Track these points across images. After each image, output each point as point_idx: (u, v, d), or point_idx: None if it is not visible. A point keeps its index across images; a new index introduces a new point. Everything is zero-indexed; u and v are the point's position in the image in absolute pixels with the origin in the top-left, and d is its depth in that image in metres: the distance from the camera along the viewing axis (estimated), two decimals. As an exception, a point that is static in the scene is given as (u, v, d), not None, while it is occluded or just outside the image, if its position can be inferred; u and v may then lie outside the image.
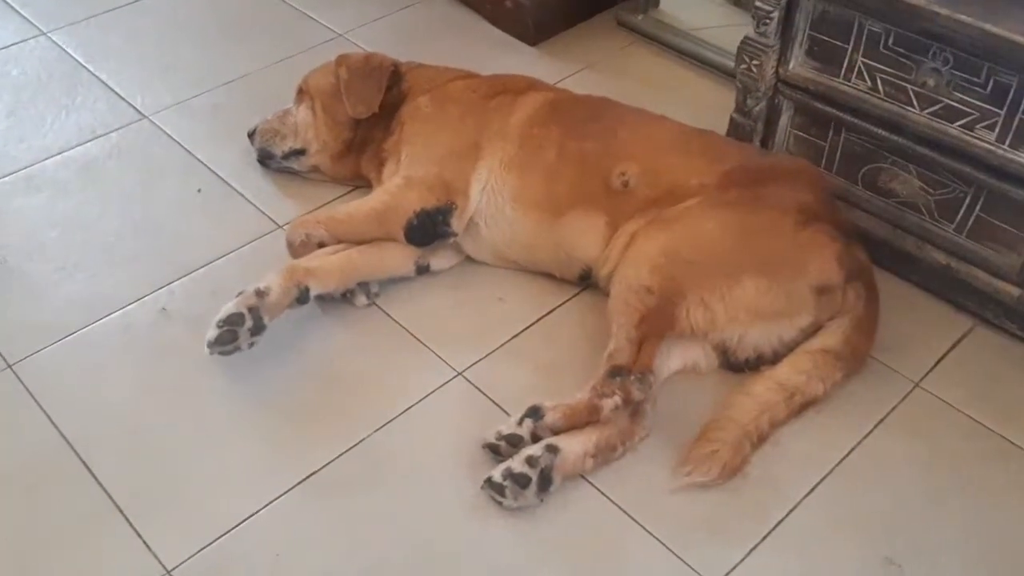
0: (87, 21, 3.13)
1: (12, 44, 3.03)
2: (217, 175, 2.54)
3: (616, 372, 1.85)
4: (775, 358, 1.96)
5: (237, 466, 1.86)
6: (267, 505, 1.79)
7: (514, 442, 1.82)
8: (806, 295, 1.93)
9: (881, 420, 1.95)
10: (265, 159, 2.52)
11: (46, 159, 2.59)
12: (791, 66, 2.18)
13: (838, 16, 2.04)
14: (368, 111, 2.34)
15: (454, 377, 2.02)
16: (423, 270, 2.23)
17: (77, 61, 2.96)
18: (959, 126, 1.96)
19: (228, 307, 1.93)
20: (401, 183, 2.18)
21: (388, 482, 1.84)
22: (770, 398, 1.88)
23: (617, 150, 2.11)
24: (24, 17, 3.14)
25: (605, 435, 1.83)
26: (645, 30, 3.07)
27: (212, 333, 1.90)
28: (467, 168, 2.18)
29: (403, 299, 2.20)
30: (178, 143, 2.65)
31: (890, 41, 1.98)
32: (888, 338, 2.04)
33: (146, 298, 2.19)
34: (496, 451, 1.84)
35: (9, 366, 2.04)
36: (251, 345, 1.93)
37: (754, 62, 2.20)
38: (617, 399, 1.82)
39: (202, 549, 1.72)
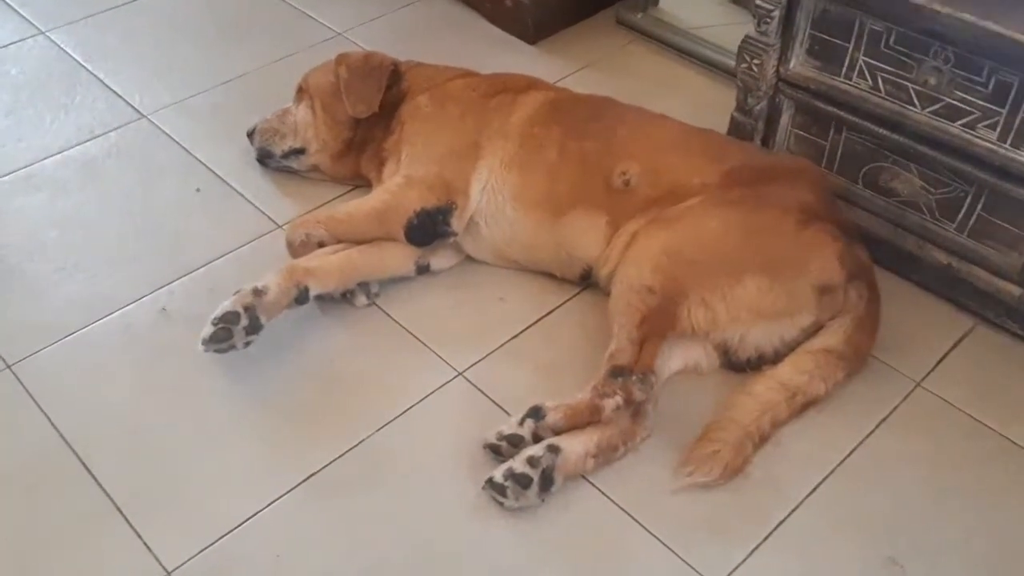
0: (86, 20, 3.13)
1: (11, 43, 3.02)
2: (216, 174, 2.54)
3: (617, 372, 1.84)
4: (776, 358, 1.96)
5: (237, 466, 1.86)
6: (268, 506, 1.79)
7: (515, 442, 1.82)
8: (808, 294, 1.92)
9: (883, 420, 1.94)
10: (264, 158, 2.52)
11: (45, 159, 2.58)
12: (792, 65, 2.17)
13: (839, 15, 2.04)
14: (368, 110, 2.33)
15: (454, 377, 2.02)
16: (423, 270, 2.23)
17: (76, 60, 2.95)
18: (960, 125, 1.96)
19: (224, 305, 1.92)
20: (401, 182, 2.17)
21: (389, 482, 1.83)
22: (772, 398, 1.88)
23: (618, 149, 2.10)
24: (23, 16, 3.14)
25: (606, 435, 1.82)
26: (645, 28, 3.06)
27: (207, 331, 1.90)
28: (467, 167, 2.17)
29: (403, 299, 2.19)
30: (177, 142, 2.65)
31: (891, 40, 1.98)
32: (889, 338, 2.04)
33: (145, 298, 2.19)
34: (497, 451, 1.83)
35: (8, 366, 2.04)
36: (247, 344, 1.92)
37: (755, 61, 2.19)
38: (618, 399, 1.81)
39: (202, 550, 1.72)
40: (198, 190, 2.49)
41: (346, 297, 2.16)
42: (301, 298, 2.01)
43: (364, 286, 2.16)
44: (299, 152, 2.46)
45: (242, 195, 2.47)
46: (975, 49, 1.85)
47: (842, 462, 1.87)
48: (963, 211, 2.06)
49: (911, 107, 2.02)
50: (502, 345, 2.09)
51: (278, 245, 2.23)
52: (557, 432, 1.82)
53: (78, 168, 2.56)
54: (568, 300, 2.20)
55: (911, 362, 2.05)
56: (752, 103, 2.27)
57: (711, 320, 1.90)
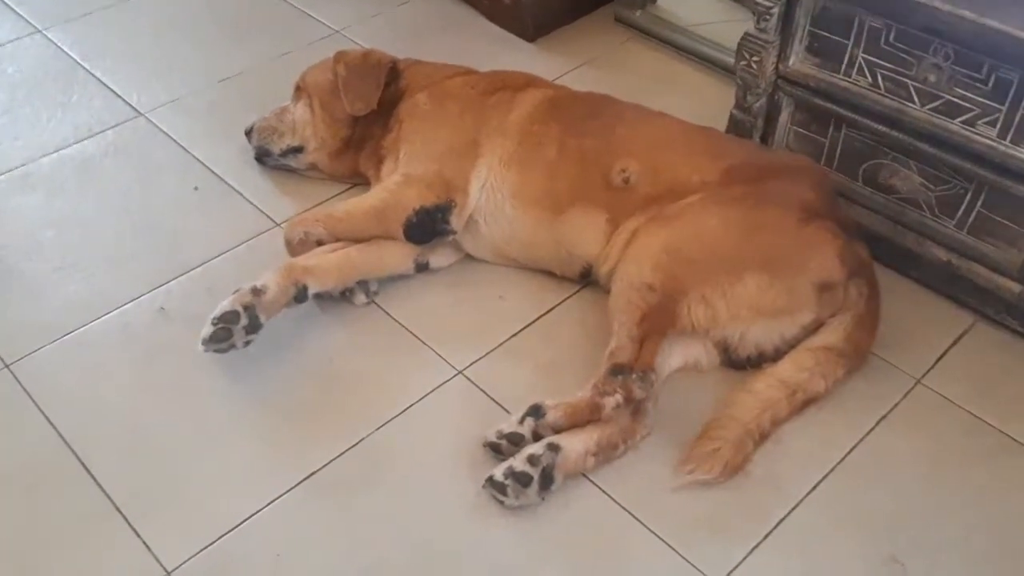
0: (83, 18, 3.12)
1: (8, 42, 3.01)
2: (214, 173, 2.53)
3: (618, 370, 1.84)
4: (776, 355, 1.96)
5: (237, 466, 1.85)
6: (267, 505, 1.78)
7: (515, 441, 1.82)
8: (808, 292, 1.92)
9: (883, 417, 1.94)
10: (262, 157, 2.51)
11: (42, 157, 2.58)
12: (791, 62, 2.17)
13: (838, 12, 2.04)
14: (366, 108, 2.33)
15: (454, 376, 2.02)
16: (422, 268, 2.22)
17: (73, 59, 2.94)
18: (960, 122, 1.95)
19: (223, 304, 1.92)
20: (400, 180, 2.17)
21: (388, 481, 1.83)
22: (772, 395, 1.88)
23: (617, 147, 2.10)
24: (19, 15, 3.13)
25: (607, 433, 1.82)
26: (643, 26, 3.06)
27: (206, 330, 1.89)
28: (466, 165, 2.17)
29: (402, 297, 2.19)
30: (175, 141, 2.64)
31: (891, 37, 1.98)
32: (889, 335, 2.04)
33: (144, 297, 2.18)
34: (497, 450, 1.83)
35: (7, 366, 2.03)
36: (246, 343, 1.92)
37: (754, 58, 2.19)
38: (619, 397, 1.81)
39: (202, 550, 1.72)
40: (196, 189, 2.48)
41: (345, 295, 2.16)
42: (300, 296, 2.01)
43: (363, 284, 2.16)
44: (297, 150, 2.46)
45: (240, 193, 2.47)
46: (975, 46, 1.85)
47: (842, 460, 1.87)
48: (963, 208, 2.06)
49: (911, 104, 2.01)
50: (502, 343, 2.08)
51: (276, 243, 2.23)
52: (557, 430, 1.82)
53: (75, 167, 2.55)
54: (568, 298, 2.20)
55: (911, 359, 2.04)
56: (751, 100, 2.27)
57: (711, 318, 1.90)
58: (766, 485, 1.82)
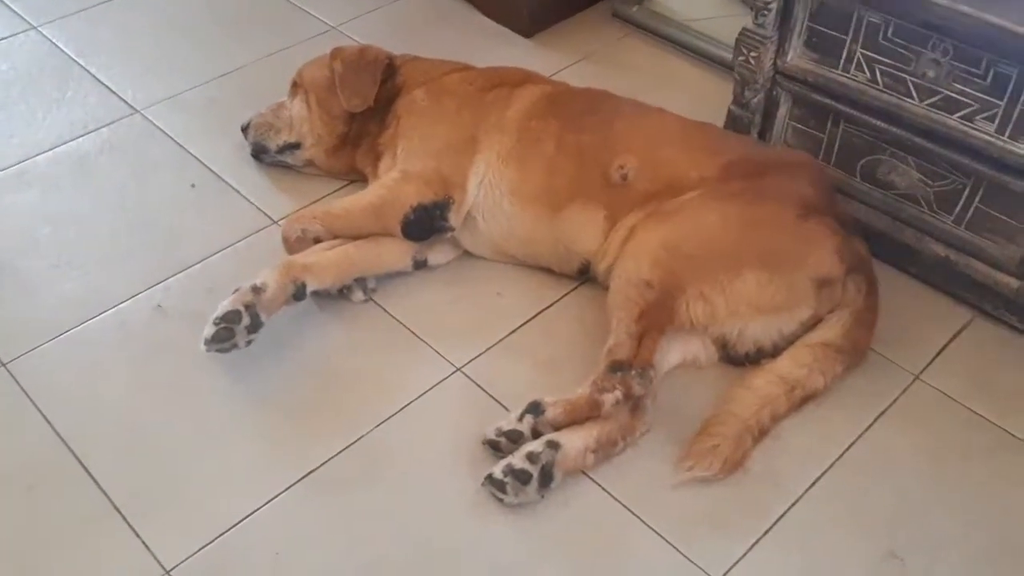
0: (78, 15, 3.10)
1: (2, 39, 3.00)
2: (211, 170, 2.52)
3: (616, 367, 1.84)
4: (775, 351, 1.96)
5: (235, 464, 1.85)
6: (266, 503, 1.78)
7: (514, 438, 1.81)
8: (806, 288, 1.92)
9: (882, 413, 1.94)
10: (259, 153, 2.50)
11: (37, 155, 2.56)
12: (789, 58, 2.17)
13: (837, 7, 2.03)
14: (363, 104, 2.32)
15: (453, 373, 2.01)
16: (420, 265, 2.22)
17: (68, 55, 2.93)
18: (958, 117, 1.95)
19: (224, 304, 1.91)
20: (398, 177, 2.16)
21: (387, 479, 1.83)
22: (771, 392, 1.88)
23: (616, 143, 2.09)
24: (14, 11, 3.11)
25: (606, 430, 1.82)
26: (640, 21, 3.05)
27: (209, 331, 1.89)
28: (464, 162, 2.16)
29: (400, 294, 2.18)
30: (171, 138, 2.63)
31: (889, 32, 1.97)
32: (888, 331, 2.04)
33: (141, 295, 2.18)
34: (496, 447, 1.83)
35: (3, 365, 2.02)
36: (248, 343, 1.92)
37: (752, 54, 2.18)
38: (618, 394, 1.81)
39: (201, 548, 1.71)
40: (193, 186, 2.48)
41: (343, 293, 2.16)
42: (298, 294, 2.00)
43: (361, 282, 2.15)
44: (294, 147, 2.45)
45: (237, 191, 2.46)
46: (973, 41, 1.85)
47: (841, 456, 1.87)
48: (961, 203, 2.06)
49: (909, 99, 2.01)
50: (500, 340, 2.08)
51: (274, 241, 2.22)
52: (556, 428, 1.82)
53: (71, 164, 2.54)
54: (566, 295, 2.19)
55: (909, 355, 2.05)
56: (749, 96, 2.27)
57: (710, 314, 1.90)
58: (765, 481, 1.82)
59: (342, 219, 2.16)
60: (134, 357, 2.05)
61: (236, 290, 1.93)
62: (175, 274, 2.22)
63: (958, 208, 2.07)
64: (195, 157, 2.56)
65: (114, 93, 2.78)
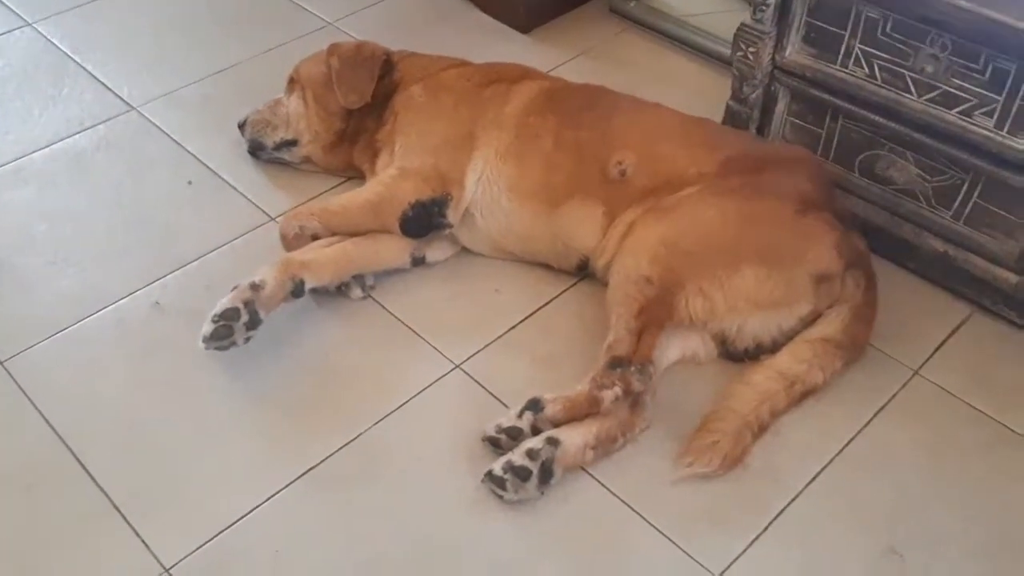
0: (73, 11, 3.09)
1: (-3, 35, 2.99)
2: (208, 167, 2.51)
3: (616, 363, 1.84)
4: (774, 347, 1.96)
5: (234, 462, 1.84)
6: (266, 501, 1.77)
7: (514, 435, 1.81)
8: (805, 284, 1.92)
9: (881, 408, 1.94)
10: (256, 150, 2.50)
11: (33, 152, 2.55)
12: (787, 53, 2.16)
13: (835, 2, 2.03)
14: (360, 101, 2.31)
15: (452, 370, 2.01)
16: (419, 262, 2.21)
17: (63, 52, 2.92)
18: (957, 112, 1.95)
19: (223, 302, 1.90)
20: (396, 174, 2.15)
21: (387, 476, 1.82)
22: (770, 387, 1.88)
23: (614, 139, 2.09)
24: (9, 8, 3.10)
25: (605, 427, 1.82)
26: (638, 17, 3.05)
27: (207, 328, 1.88)
28: (462, 158, 2.15)
29: (399, 291, 2.18)
30: (167, 135, 2.62)
31: (888, 27, 1.97)
32: (886, 326, 2.04)
33: (138, 292, 2.17)
34: (496, 444, 1.82)
35: (0, 363, 2.01)
36: (247, 340, 1.91)
37: (750, 49, 2.18)
38: (617, 390, 1.81)
39: (200, 546, 1.71)
40: (190, 183, 2.47)
41: (341, 290, 2.15)
42: (297, 291, 1.99)
43: (359, 279, 2.15)
44: (291, 143, 2.44)
45: (234, 188, 2.45)
46: (972, 36, 1.85)
47: (841, 451, 1.87)
48: (959, 199, 2.06)
49: (908, 95, 2.01)
50: (499, 337, 2.08)
51: (271, 238, 2.21)
52: (556, 424, 1.82)
53: (67, 161, 2.53)
54: (565, 291, 2.19)
55: (908, 350, 2.05)
56: (748, 91, 2.26)
57: (709, 310, 1.90)
58: (765, 477, 1.82)
59: (340, 216, 2.15)
60: (132, 355, 2.04)
61: (234, 287, 1.93)
62: (172, 271, 2.22)
63: (957, 203, 2.07)
64: (192, 154, 2.55)
65: (110, 90, 2.77)
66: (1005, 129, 1.90)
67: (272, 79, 2.55)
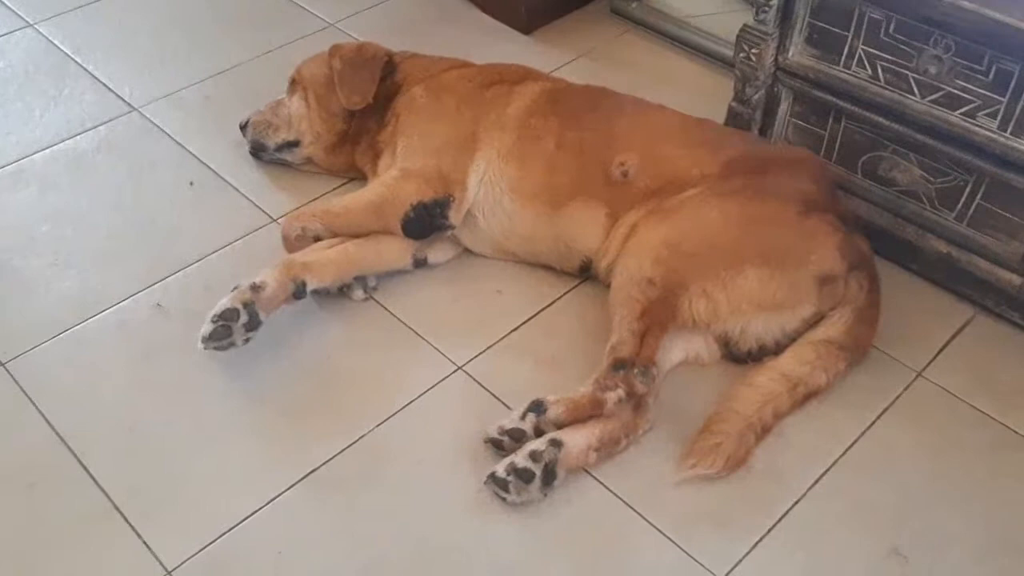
0: (74, 12, 3.09)
1: (-2, 36, 2.99)
2: (209, 168, 2.51)
3: (619, 365, 1.83)
4: (778, 349, 1.95)
5: (236, 464, 1.84)
6: (267, 503, 1.77)
7: (517, 437, 1.81)
8: (809, 285, 1.91)
9: (884, 410, 1.94)
10: (258, 151, 2.49)
11: (34, 153, 2.55)
12: (790, 54, 2.16)
13: (838, 3, 2.02)
14: (362, 102, 2.31)
15: (454, 371, 2.00)
16: (421, 263, 2.21)
17: (65, 53, 2.91)
18: (960, 114, 1.95)
19: (223, 302, 1.90)
20: (397, 175, 2.15)
21: (389, 478, 1.82)
22: (773, 389, 1.87)
23: (616, 140, 2.09)
24: (10, 8, 3.10)
25: (608, 428, 1.81)
26: (639, 18, 3.04)
27: (206, 328, 1.88)
28: (464, 159, 2.15)
29: (401, 293, 2.17)
30: (169, 136, 2.62)
31: (891, 28, 1.97)
32: (890, 328, 2.03)
33: (140, 294, 2.17)
34: (498, 446, 1.82)
35: (2, 364, 2.01)
36: (246, 341, 1.91)
37: (753, 50, 2.18)
38: (620, 392, 1.80)
39: (203, 548, 1.70)
40: (191, 184, 2.46)
41: (343, 291, 2.15)
42: (298, 293, 1.99)
43: (361, 280, 2.15)
44: (293, 144, 2.44)
45: (236, 189, 2.45)
46: (976, 37, 1.84)
47: (844, 453, 1.86)
48: (963, 200, 2.05)
49: (911, 96, 2.01)
50: (501, 339, 2.07)
51: (273, 239, 2.21)
52: (559, 426, 1.81)
53: (68, 162, 2.53)
54: (567, 292, 2.19)
55: (912, 352, 2.04)
56: (750, 92, 2.26)
57: (712, 311, 1.89)
58: (768, 479, 1.82)
59: (342, 217, 2.15)
60: (133, 356, 2.04)
61: (235, 288, 1.92)
62: (174, 273, 2.21)
63: (960, 205, 2.06)
64: (193, 155, 2.55)
65: (111, 91, 2.77)
66: (1008, 130, 1.90)
67: (274, 80, 2.55)
